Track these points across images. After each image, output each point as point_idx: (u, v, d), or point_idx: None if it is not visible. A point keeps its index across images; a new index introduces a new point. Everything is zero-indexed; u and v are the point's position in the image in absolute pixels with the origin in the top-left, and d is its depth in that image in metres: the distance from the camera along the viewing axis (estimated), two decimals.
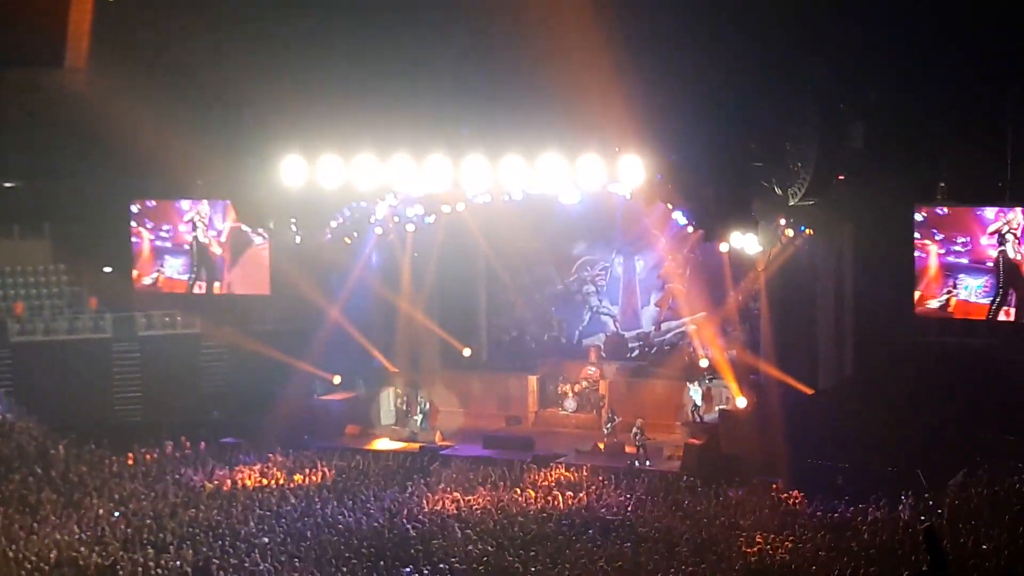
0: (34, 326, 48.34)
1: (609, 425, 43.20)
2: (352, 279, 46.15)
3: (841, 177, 38.57)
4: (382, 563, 29.77)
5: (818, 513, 33.72)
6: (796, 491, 35.42)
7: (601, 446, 42.20)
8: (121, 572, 29.32)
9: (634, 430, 41.14)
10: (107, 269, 50.54)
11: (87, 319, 48.91)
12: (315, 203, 41.26)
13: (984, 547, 27.72)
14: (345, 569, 29.22)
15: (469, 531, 32.37)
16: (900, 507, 33.17)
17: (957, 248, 38.28)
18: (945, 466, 34.87)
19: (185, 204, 47.84)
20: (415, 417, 45.86)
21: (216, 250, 47.45)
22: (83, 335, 48.45)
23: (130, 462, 40.56)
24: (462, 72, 37.87)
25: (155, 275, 48.60)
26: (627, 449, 41.66)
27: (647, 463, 40.24)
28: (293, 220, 42.09)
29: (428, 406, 45.93)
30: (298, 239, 42.90)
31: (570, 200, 41.48)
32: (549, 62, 36.15)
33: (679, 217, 40.54)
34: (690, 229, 41.13)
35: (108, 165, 47.20)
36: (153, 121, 42.10)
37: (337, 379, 46.67)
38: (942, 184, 38.68)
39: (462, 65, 38.00)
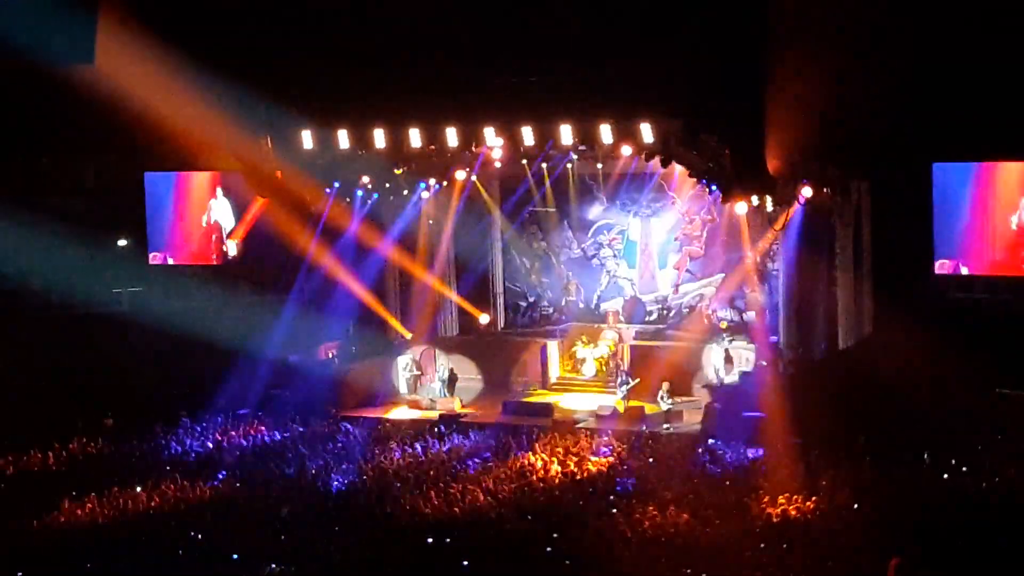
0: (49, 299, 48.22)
1: (623, 388, 43.01)
2: (368, 248, 45.99)
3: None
4: (409, 531, 29.73)
5: (841, 473, 33.55)
6: (818, 451, 35.22)
7: (621, 410, 42.03)
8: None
9: (660, 393, 40.96)
10: (122, 242, 50.34)
11: (103, 292, 48.72)
12: (329, 175, 41.25)
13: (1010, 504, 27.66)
14: (368, 537, 29.20)
15: (489, 498, 32.33)
16: (922, 466, 33.03)
17: None
18: (966, 424, 34.70)
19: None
20: (433, 384, 45.72)
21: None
22: (99, 309, 48.24)
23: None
24: (475, 42, 37.78)
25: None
26: (648, 412, 41.50)
27: (666, 427, 40.07)
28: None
29: (448, 373, 45.78)
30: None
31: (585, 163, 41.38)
32: (560, 27, 36.12)
33: (696, 178, 40.31)
34: (707, 191, 40.92)
35: (120, 135, 46.90)
36: (167, 91, 41.86)
37: (354, 348, 46.63)
38: (961, 140, 38.39)
39: (475, 36, 37.93)
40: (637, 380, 42.90)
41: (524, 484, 33.92)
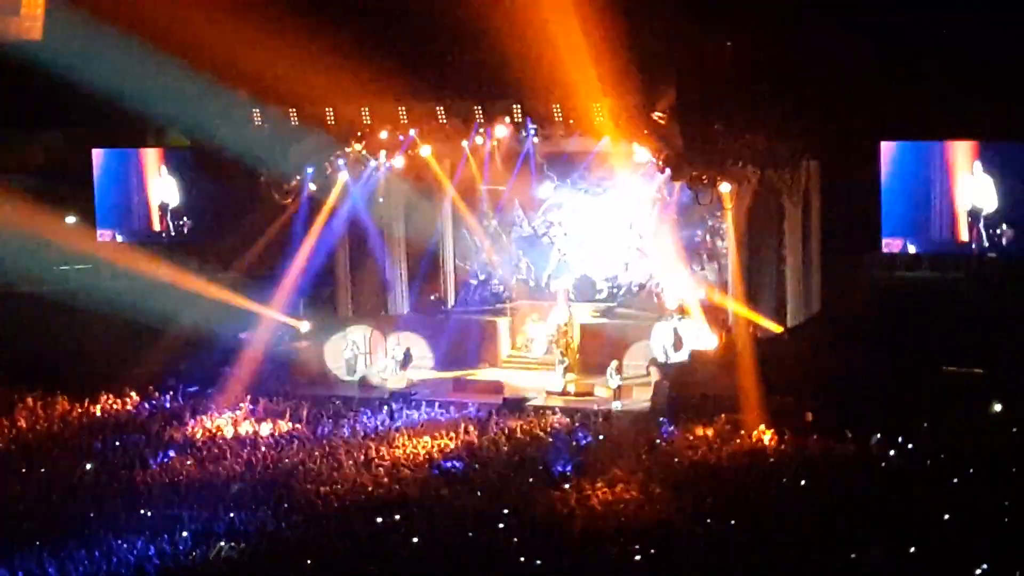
0: None
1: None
2: (318, 225, 45.87)
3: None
4: (356, 509, 29.75)
5: (788, 450, 33.78)
6: (766, 428, 35.45)
7: (571, 388, 42.16)
8: (94, 523, 29.23)
9: (609, 371, 41.09)
10: (70, 219, 50.07)
11: (52, 270, 48.46)
12: (279, 151, 41.13)
13: (954, 481, 27.91)
14: (317, 516, 29.19)
15: (440, 475, 32.40)
16: (870, 442, 33.30)
17: None
18: (913, 402, 34.97)
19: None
20: (386, 361, 45.72)
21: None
22: (48, 287, 48.00)
23: (98, 413, 40.34)
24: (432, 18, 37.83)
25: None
26: (596, 390, 41.65)
27: (615, 404, 40.22)
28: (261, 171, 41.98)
29: (403, 352, 45.76)
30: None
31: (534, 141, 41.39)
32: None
33: (646, 156, 40.41)
34: (657, 168, 41.03)
35: (72, 113, 46.70)
36: (115, 69, 41.64)
37: (305, 325, 46.51)
38: (908, 119, 38.66)
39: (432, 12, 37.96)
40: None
41: (473, 462, 34.02)
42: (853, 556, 23.81)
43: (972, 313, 37.99)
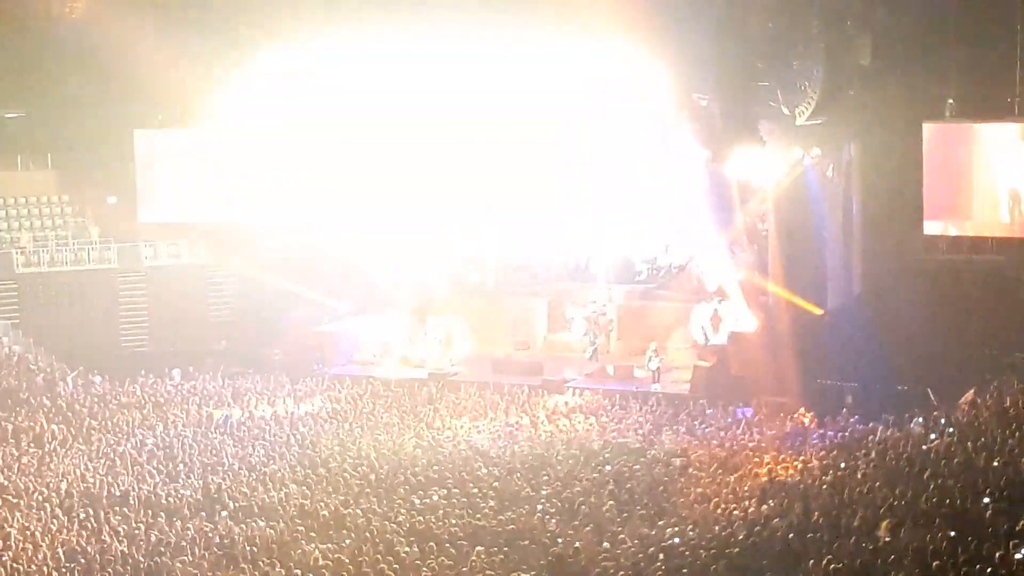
0: (39, 257, 48.13)
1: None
2: (359, 206, 45.79)
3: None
4: (394, 489, 29.75)
5: (828, 432, 33.65)
6: (805, 411, 35.32)
7: (611, 370, 42.11)
8: (132, 501, 29.31)
9: (648, 353, 41.04)
10: (112, 200, 50.27)
11: (92, 250, 48.65)
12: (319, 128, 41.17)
13: (995, 463, 27.66)
14: (355, 495, 29.19)
15: (478, 456, 32.38)
16: (910, 425, 33.12)
17: None
18: (955, 384, 34.78)
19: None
20: (431, 343, 45.78)
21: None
22: (89, 266, 48.24)
23: (139, 392, 40.51)
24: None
25: None
26: (636, 372, 41.59)
27: (655, 386, 40.16)
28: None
29: (444, 333, 45.80)
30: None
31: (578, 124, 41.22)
32: None
33: (686, 138, 40.26)
34: (697, 151, 40.88)
35: (111, 94, 46.84)
36: (155, 49, 41.73)
37: (345, 307, 46.55)
38: (951, 101, 38.37)
39: None
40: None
41: (512, 442, 34.01)
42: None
43: (1014, 295, 37.73)
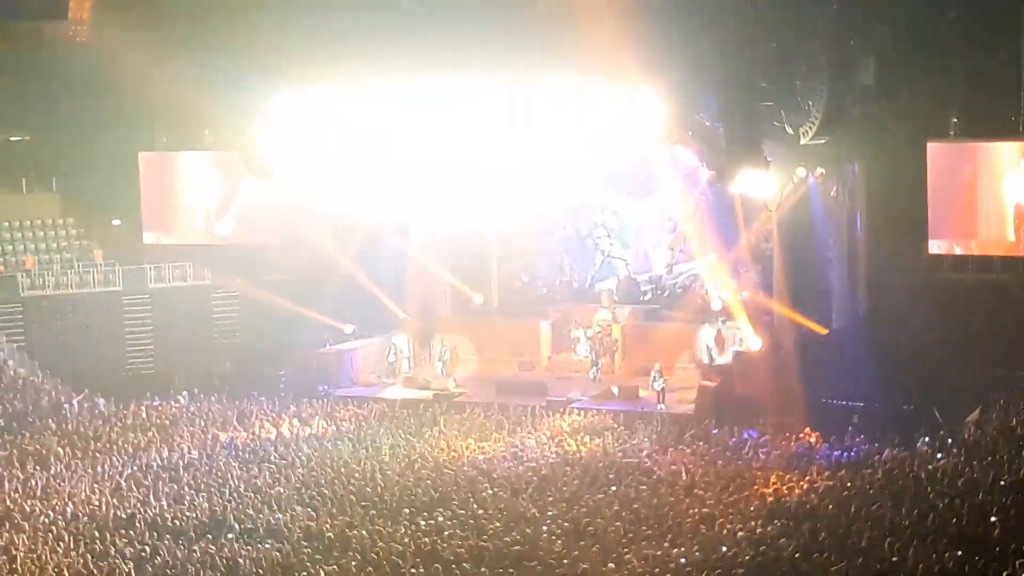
0: (44, 280, 48.11)
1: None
2: (362, 228, 45.71)
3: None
4: (400, 511, 29.73)
5: (834, 452, 33.62)
6: (811, 431, 35.28)
7: (615, 390, 42.07)
8: (138, 524, 29.30)
9: (652, 373, 41.04)
10: (116, 222, 50.32)
11: (97, 272, 48.64)
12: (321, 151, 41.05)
13: (1002, 482, 27.65)
14: (362, 518, 29.17)
15: (483, 477, 32.35)
16: (916, 445, 33.10)
17: None
18: (961, 403, 34.76)
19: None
20: (436, 364, 45.79)
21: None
22: (94, 288, 48.24)
23: (144, 415, 40.51)
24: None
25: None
26: (641, 392, 41.56)
27: (660, 407, 40.13)
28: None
29: (448, 354, 45.80)
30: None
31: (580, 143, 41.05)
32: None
33: (689, 158, 40.27)
34: (701, 171, 40.89)
35: (115, 117, 46.94)
36: (160, 72, 41.78)
37: (349, 328, 46.52)
38: (955, 119, 38.41)
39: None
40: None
41: (517, 463, 33.98)
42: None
43: (1020, 314, 37.71)
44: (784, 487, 30.66)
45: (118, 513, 30.23)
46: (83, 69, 45.27)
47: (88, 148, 48.69)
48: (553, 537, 27.14)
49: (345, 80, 38.54)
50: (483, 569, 24.80)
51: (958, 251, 39.61)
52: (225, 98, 41.39)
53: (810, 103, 36.73)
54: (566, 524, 28.03)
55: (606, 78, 36.44)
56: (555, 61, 36.57)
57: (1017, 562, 21.32)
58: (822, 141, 37.56)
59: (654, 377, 40.93)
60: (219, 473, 33.75)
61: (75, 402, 41.43)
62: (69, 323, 46.95)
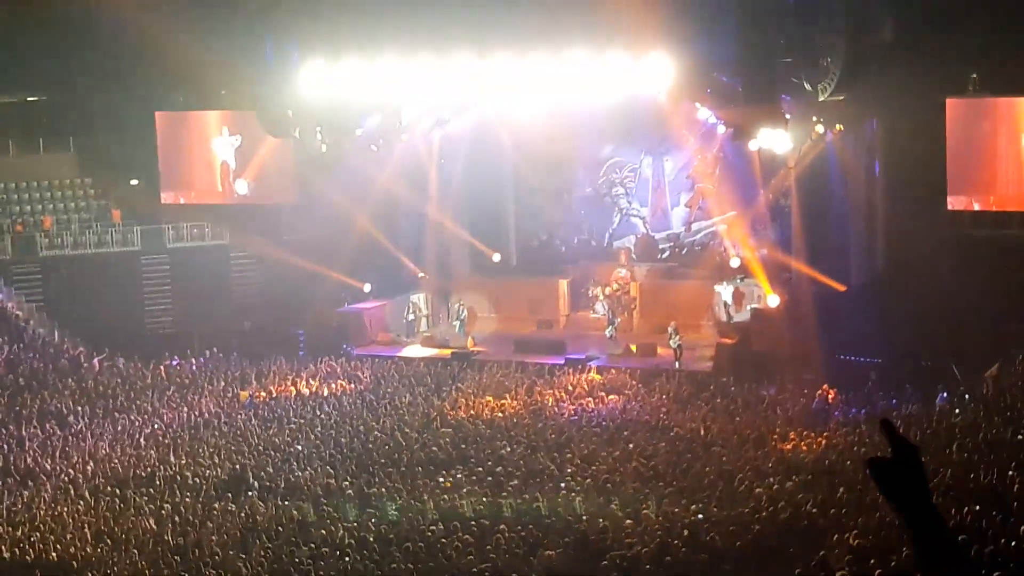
0: (62, 240, 48.22)
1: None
2: (379, 187, 45.66)
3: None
4: (418, 468, 29.85)
5: (852, 409, 33.64)
6: (829, 387, 35.29)
7: (633, 348, 42.10)
8: (158, 482, 29.46)
9: (669, 331, 41.03)
10: (134, 182, 50.35)
11: (116, 232, 48.71)
12: (339, 111, 41.00)
13: (1020, 437, 27.66)
14: (381, 475, 29.28)
15: (502, 435, 32.44)
16: (935, 400, 33.11)
17: None
18: (979, 358, 34.74)
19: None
20: (454, 322, 45.82)
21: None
22: (112, 248, 48.32)
23: (163, 374, 40.67)
24: None
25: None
26: (659, 350, 41.59)
27: (677, 364, 40.15)
28: (319, 128, 41.68)
29: (465, 312, 45.83)
30: (324, 147, 42.43)
31: (596, 100, 40.96)
32: None
33: (708, 116, 40.17)
34: (719, 128, 40.80)
35: (132, 76, 46.91)
36: (176, 31, 41.70)
37: (367, 287, 46.53)
38: (974, 75, 38.22)
39: None
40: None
41: (536, 420, 34.07)
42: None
43: None
44: (802, 443, 30.71)
45: (138, 472, 30.41)
46: (99, 28, 45.16)
47: (105, 108, 48.64)
48: (571, 494, 27.25)
49: (363, 54, 38.44)
50: (501, 526, 24.89)
51: (977, 207, 39.45)
52: (241, 57, 41.39)
53: (828, 59, 36.59)
54: (585, 481, 28.13)
55: (623, 47, 36.34)
56: (571, 35, 36.56)
57: None
58: (840, 98, 37.43)
59: (671, 335, 40.91)
60: (238, 432, 33.92)
61: (95, 361, 41.58)
62: (88, 283, 46.96)
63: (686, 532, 23.80)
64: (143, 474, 30.25)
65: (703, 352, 41.30)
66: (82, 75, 48.14)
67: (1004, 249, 38.75)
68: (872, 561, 20.11)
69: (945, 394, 33.31)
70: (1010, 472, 24.51)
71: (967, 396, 32.77)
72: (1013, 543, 20.18)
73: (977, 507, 22.66)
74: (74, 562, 24.76)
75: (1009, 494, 23.59)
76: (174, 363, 41.82)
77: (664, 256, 48.07)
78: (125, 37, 43.15)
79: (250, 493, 28.62)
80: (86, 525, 26.63)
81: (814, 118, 38.85)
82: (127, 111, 48.21)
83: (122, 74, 47.21)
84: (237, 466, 30.38)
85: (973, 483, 24.71)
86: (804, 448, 30.31)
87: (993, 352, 34.71)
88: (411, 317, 46.73)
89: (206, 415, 35.93)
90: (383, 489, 28.01)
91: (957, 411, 31.55)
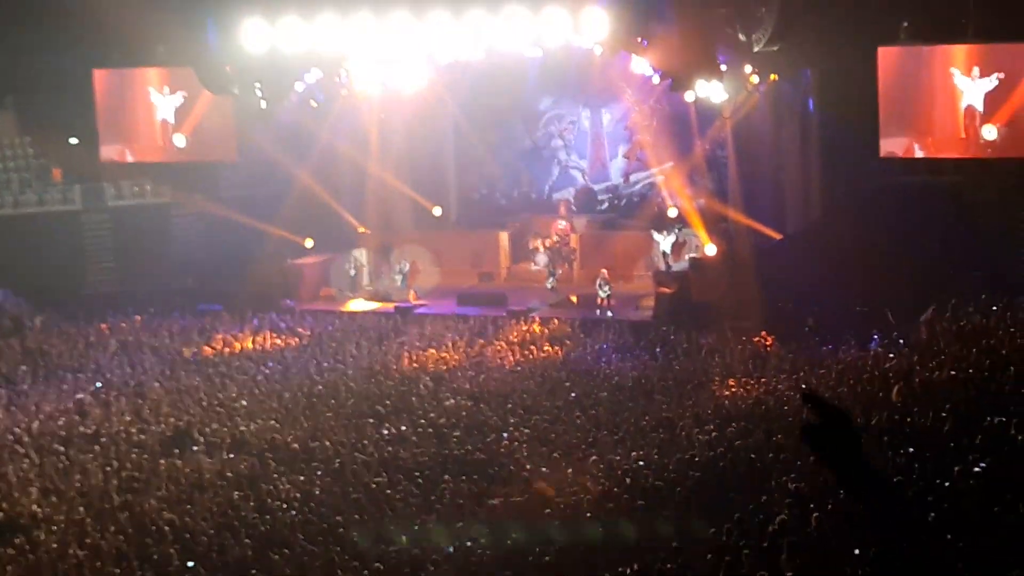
0: (2, 199, 48.00)
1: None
2: (320, 143, 45.76)
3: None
4: (362, 421, 30.11)
5: (789, 355, 34.09)
6: (767, 334, 35.76)
7: (574, 299, 42.48)
8: (103, 440, 29.59)
9: (598, 280, 41.37)
10: (73, 140, 50.10)
11: (56, 191, 48.55)
12: (278, 67, 40.94)
13: (953, 373, 28.18)
14: (325, 428, 29.54)
15: (445, 387, 32.74)
16: (870, 345, 33.61)
17: None
18: (914, 304, 35.24)
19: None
20: (396, 276, 45.97)
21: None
22: (53, 207, 48.16)
23: (106, 332, 40.67)
24: None
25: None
26: (599, 300, 41.99)
27: (610, 313, 40.54)
28: (257, 85, 41.63)
29: (407, 266, 46.00)
30: (263, 104, 42.39)
31: (534, 54, 41.07)
32: None
33: (644, 67, 40.42)
34: (656, 79, 41.06)
35: (69, 34, 46.60)
36: None
37: (309, 242, 46.65)
38: (905, 24, 38.61)
39: None
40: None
41: (478, 372, 34.38)
42: None
43: (971, 215, 38.16)
44: (741, 390, 31.15)
45: (83, 429, 30.52)
46: None
47: (43, 66, 48.31)
48: (515, 444, 27.59)
49: (302, 12, 38.37)
50: (445, 477, 25.23)
51: (917, 153, 39.76)
52: (179, 12, 41.23)
53: (763, 10, 36.91)
54: (527, 431, 28.46)
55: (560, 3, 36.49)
56: None
57: (969, 457, 21.77)
58: (775, 48, 37.78)
59: (600, 284, 41.25)
60: (183, 388, 34.04)
61: (37, 321, 41.54)
62: (29, 242, 46.78)
63: (628, 479, 24.19)
64: (88, 432, 30.35)
65: (643, 302, 41.68)
66: (19, 34, 47.77)
67: (937, 195, 39.31)
68: (812, 505, 20.50)
69: (877, 338, 33.82)
70: (943, 414, 24.99)
71: (901, 340, 33.30)
72: (947, 483, 20.63)
73: (911, 449, 23.15)
74: (21, 519, 24.92)
75: (941, 434, 24.09)
76: (117, 321, 41.63)
77: (603, 207, 48.43)
78: None
79: (195, 449, 28.82)
80: (33, 483, 26.77)
81: (748, 68, 39.21)
82: (65, 69, 47.83)
83: (59, 32, 46.89)
84: (182, 423, 30.53)
85: (908, 426, 25.19)
86: (743, 394, 30.74)
87: (927, 297, 35.21)
88: (353, 272, 46.89)
89: (149, 372, 36.01)
90: (327, 442, 28.25)
91: (891, 355, 32.05)
